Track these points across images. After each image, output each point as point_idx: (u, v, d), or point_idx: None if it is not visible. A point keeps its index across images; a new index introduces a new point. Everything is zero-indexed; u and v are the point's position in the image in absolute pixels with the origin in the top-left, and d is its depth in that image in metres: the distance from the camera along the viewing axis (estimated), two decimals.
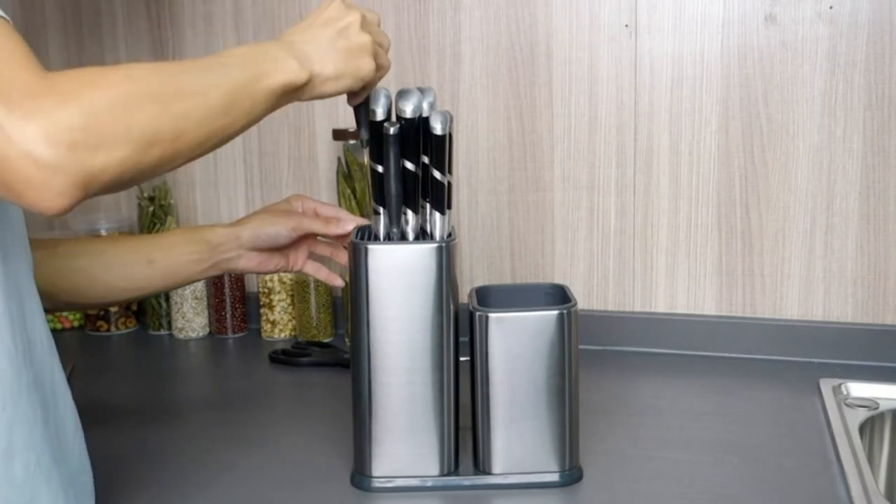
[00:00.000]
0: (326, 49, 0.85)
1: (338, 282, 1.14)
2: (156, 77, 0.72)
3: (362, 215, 1.30)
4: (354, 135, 1.46)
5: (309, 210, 1.11)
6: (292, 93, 0.83)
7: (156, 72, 0.73)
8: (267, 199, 1.61)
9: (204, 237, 1.08)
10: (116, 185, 0.68)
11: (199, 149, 0.74)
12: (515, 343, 1.00)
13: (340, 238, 1.09)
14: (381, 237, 1.01)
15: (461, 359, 1.03)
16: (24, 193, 0.63)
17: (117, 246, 1.10)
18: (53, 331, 0.83)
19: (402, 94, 0.98)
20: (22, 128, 0.62)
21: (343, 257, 1.10)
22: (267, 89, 0.79)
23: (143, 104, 0.68)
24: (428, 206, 1.02)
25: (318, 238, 1.13)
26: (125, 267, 1.06)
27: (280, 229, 1.08)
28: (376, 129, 0.98)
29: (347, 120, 1.53)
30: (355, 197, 1.45)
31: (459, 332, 1.02)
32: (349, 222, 1.07)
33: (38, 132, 0.62)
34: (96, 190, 0.66)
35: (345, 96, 0.93)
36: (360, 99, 0.94)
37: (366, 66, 0.88)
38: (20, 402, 0.75)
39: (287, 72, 0.81)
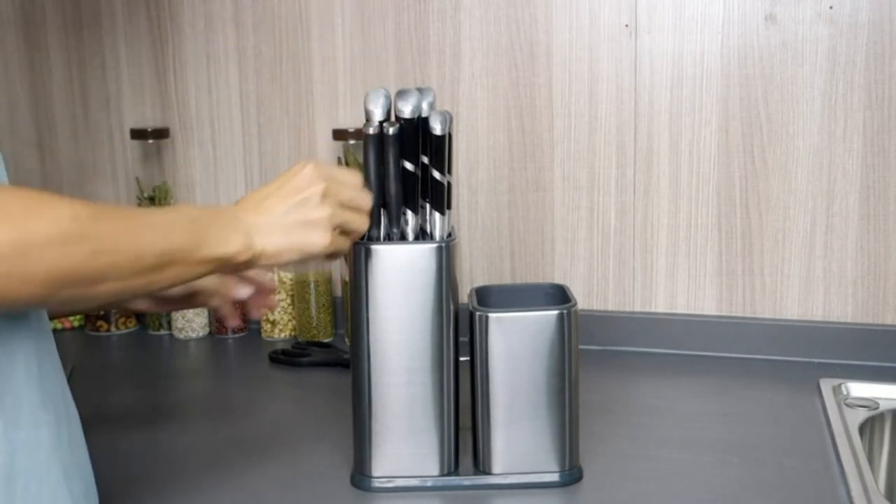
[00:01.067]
0: (276, 223, 0.82)
1: (234, 322, 1.16)
2: (99, 225, 0.70)
3: None
4: (355, 135, 1.46)
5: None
6: (230, 266, 0.80)
7: (100, 219, 0.71)
8: None
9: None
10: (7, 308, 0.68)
11: (112, 299, 0.73)
12: (515, 343, 1.00)
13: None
14: (382, 237, 1.01)
15: (461, 359, 1.03)
16: None
17: None
18: (53, 331, 0.83)
19: (401, 94, 0.98)
20: None
21: (234, 321, 1.13)
22: (203, 259, 0.77)
23: (75, 248, 0.67)
24: (428, 206, 1.02)
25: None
26: None
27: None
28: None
29: (347, 120, 1.53)
30: None
31: (459, 332, 1.02)
32: (242, 289, 1.05)
33: None
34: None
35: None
36: (312, 267, 0.91)
37: (315, 242, 0.84)
38: (24, 425, 0.74)
39: (229, 246, 0.79)
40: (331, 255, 0.87)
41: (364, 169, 0.98)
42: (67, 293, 0.68)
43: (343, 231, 0.87)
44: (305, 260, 0.84)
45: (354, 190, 0.88)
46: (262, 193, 0.84)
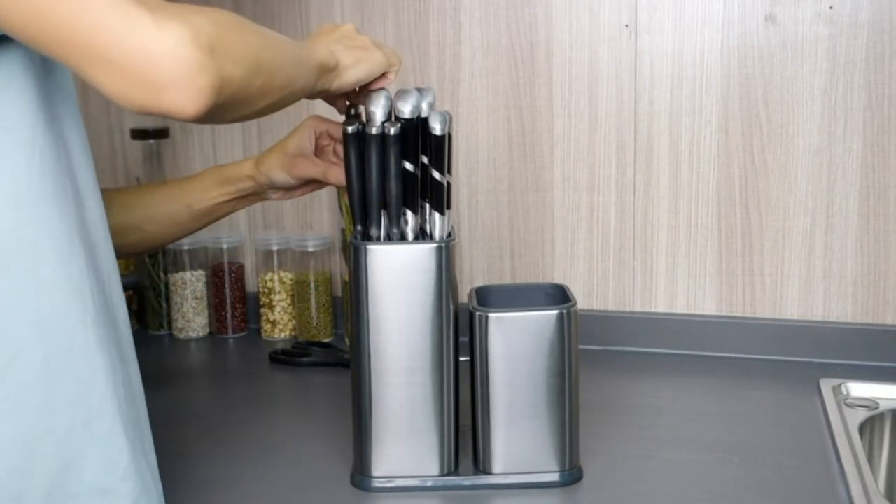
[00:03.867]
0: (343, 46, 0.94)
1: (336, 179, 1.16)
2: (248, 22, 0.78)
3: None
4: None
5: (323, 139, 1.16)
6: (327, 74, 0.91)
7: (245, 19, 0.79)
8: None
9: (230, 177, 1.15)
10: (232, 103, 0.72)
11: (279, 94, 0.80)
12: (515, 343, 1.00)
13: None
14: (382, 237, 1.01)
15: (461, 359, 1.03)
16: (165, 92, 0.66)
17: (158, 196, 1.16)
18: None
19: (400, 94, 0.98)
20: (167, 28, 0.65)
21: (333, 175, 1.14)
22: (313, 63, 0.88)
23: (250, 35, 0.75)
24: (428, 206, 1.02)
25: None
26: (170, 216, 1.15)
27: (286, 178, 1.13)
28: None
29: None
30: None
31: (459, 332, 1.02)
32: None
33: (183, 33, 0.65)
34: (223, 100, 0.70)
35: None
36: (382, 84, 1.00)
37: (377, 56, 0.96)
38: (72, 361, 0.75)
39: (322, 55, 0.90)
40: (390, 71, 0.99)
41: (365, 169, 0.99)
42: (260, 81, 0.75)
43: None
44: (374, 74, 0.97)
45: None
46: (310, 39, 0.96)
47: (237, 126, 1.60)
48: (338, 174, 1.09)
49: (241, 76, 0.72)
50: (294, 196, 1.17)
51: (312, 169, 1.12)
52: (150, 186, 1.26)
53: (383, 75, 0.98)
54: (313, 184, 1.15)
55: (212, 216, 1.16)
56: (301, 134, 1.14)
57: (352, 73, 0.94)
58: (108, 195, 1.06)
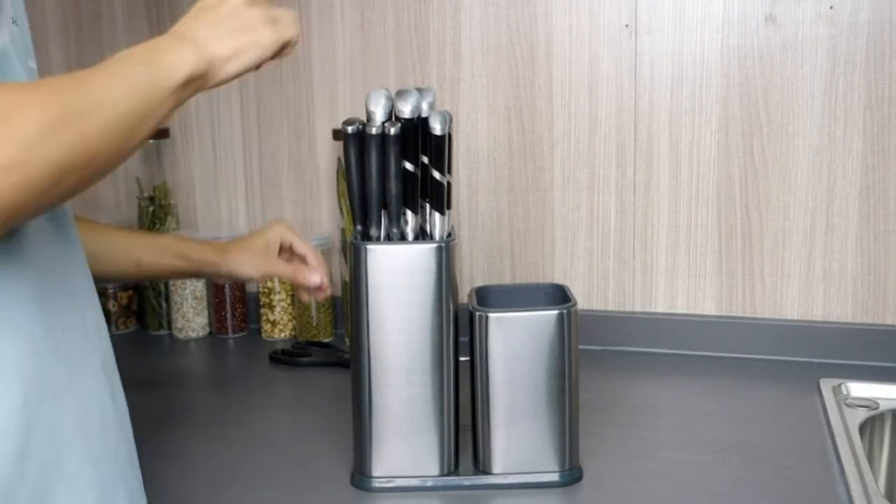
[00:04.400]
0: (217, 31, 0.81)
1: (314, 279, 1.17)
2: (75, 89, 0.67)
3: None
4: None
5: (286, 244, 1.18)
6: (196, 82, 0.77)
7: (73, 84, 0.68)
8: (267, 199, 1.61)
9: (189, 255, 1.16)
10: (45, 194, 0.63)
11: (122, 146, 0.70)
12: (515, 343, 1.00)
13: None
14: (382, 237, 1.01)
15: (461, 359, 1.03)
16: None
17: (109, 244, 1.14)
18: None
19: (400, 94, 0.98)
20: None
21: (302, 275, 1.16)
22: (171, 87, 0.74)
23: (62, 133, 0.63)
24: (428, 206, 1.02)
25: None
26: (115, 265, 1.14)
27: (252, 273, 1.16)
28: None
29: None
30: None
31: (459, 332, 1.02)
32: (315, 274, 1.15)
33: None
34: (25, 200, 0.61)
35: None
36: (275, 64, 0.88)
37: (265, 38, 0.83)
38: (45, 401, 0.72)
39: (186, 64, 0.76)
40: (283, 48, 0.85)
41: (365, 169, 0.99)
42: (71, 179, 0.64)
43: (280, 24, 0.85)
44: (262, 60, 0.83)
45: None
46: (186, 19, 0.82)
47: (237, 125, 1.60)
48: (307, 275, 1.14)
49: (39, 174, 0.61)
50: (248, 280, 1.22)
51: (283, 268, 1.17)
52: (105, 227, 1.21)
53: (279, 52, 0.86)
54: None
55: (156, 278, 1.18)
56: (267, 237, 1.18)
57: (231, 67, 0.81)
58: None
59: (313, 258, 1.18)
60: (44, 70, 1.65)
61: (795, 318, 1.41)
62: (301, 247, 1.19)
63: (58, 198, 0.66)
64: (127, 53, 0.74)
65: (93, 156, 0.66)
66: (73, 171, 0.64)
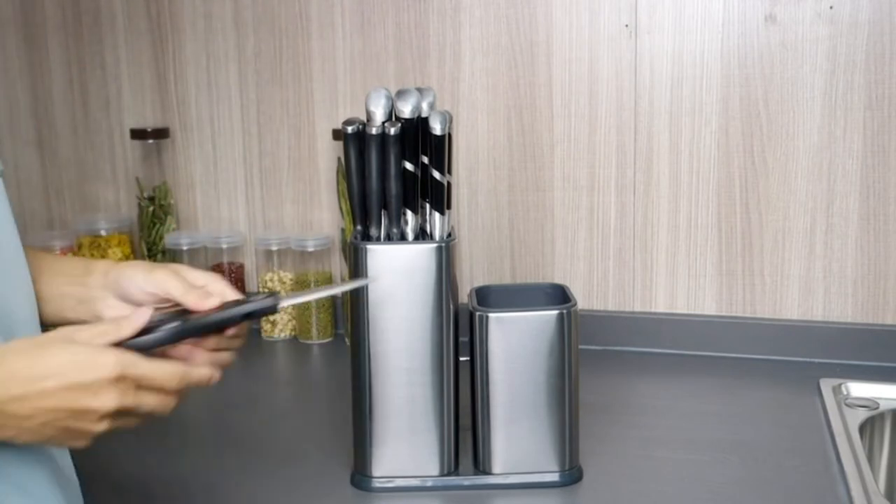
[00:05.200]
0: (31, 424, 0.68)
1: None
2: None
3: None
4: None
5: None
6: None
7: None
8: (267, 199, 1.61)
9: (84, 297, 0.89)
10: None
11: None
12: (515, 343, 1.00)
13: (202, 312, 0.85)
14: (382, 237, 1.01)
15: (461, 359, 1.03)
16: None
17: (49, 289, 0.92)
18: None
19: (400, 94, 0.98)
20: None
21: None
22: None
23: None
24: (428, 206, 1.02)
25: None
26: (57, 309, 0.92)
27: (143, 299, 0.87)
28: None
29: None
30: None
31: (459, 332, 1.02)
32: (214, 298, 0.83)
33: None
34: None
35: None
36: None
37: (75, 445, 0.72)
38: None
39: None
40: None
41: (365, 169, 0.99)
42: None
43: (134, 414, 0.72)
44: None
45: (155, 397, 0.74)
46: (38, 378, 0.67)
47: (237, 125, 1.60)
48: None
49: None
50: None
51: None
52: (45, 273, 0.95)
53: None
54: None
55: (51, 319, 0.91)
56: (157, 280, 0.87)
57: (22, 442, 0.69)
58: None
59: (216, 285, 0.86)
60: (44, 69, 1.65)
61: (795, 318, 1.41)
62: (198, 280, 0.86)
63: None
64: None
65: None
66: None
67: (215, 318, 0.80)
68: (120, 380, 0.69)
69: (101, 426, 0.70)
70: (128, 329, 0.73)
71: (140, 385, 0.71)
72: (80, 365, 0.68)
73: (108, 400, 0.68)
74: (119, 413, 0.70)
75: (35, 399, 0.67)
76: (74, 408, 0.68)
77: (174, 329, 0.77)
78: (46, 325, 0.85)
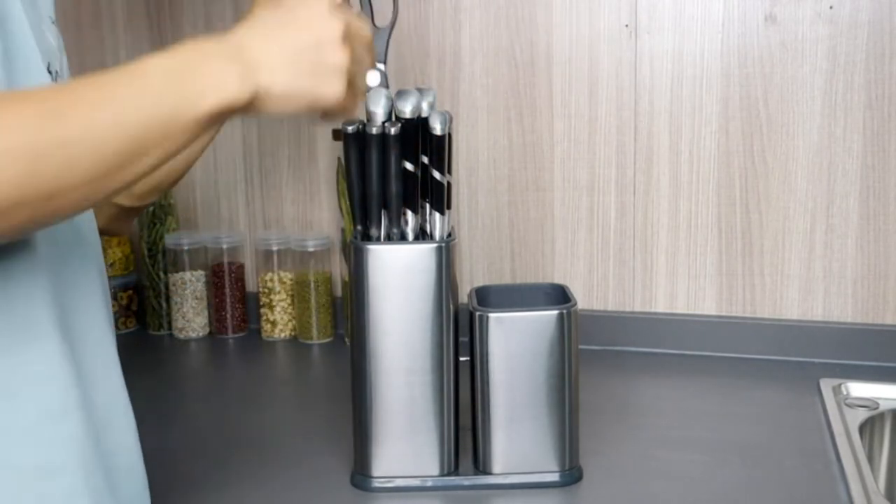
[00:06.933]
0: (287, 59, 0.67)
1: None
2: (51, 114, 0.56)
3: None
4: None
5: None
6: (228, 115, 0.65)
7: (53, 105, 0.57)
8: (267, 200, 1.61)
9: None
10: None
11: (84, 204, 0.60)
12: (515, 343, 1.00)
13: None
14: (382, 237, 1.01)
15: (461, 359, 1.03)
16: None
17: None
18: None
19: (400, 94, 0.98)
20: None
21: None
22: (192, 119, 0.62)
23: (14, 162, 0.54)
24: (428, 206, 1.02)
25: None
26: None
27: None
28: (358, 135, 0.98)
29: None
30: None
31: (459, 332, 1.02)
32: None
33: None
34: None
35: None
36: (320, 123, 0.79)
37: (330, 92, 0.69)
38: (68, 420, 0.69)
39: (223, 92, 0.63)
40: (332, 114, 0.72)
41: (365, 169, 0.99)
42: (23, 214, 0.55)
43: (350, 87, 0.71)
44: (310, 112, 0.70)
45: (365, 42, 0.74)
46: (266, 22, 0.68)
47: (237, 125, 1.60)
48: None
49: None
50: None
51: None
52: None
53: (328, 113, 0.72)
54: None
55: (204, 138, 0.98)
56: None
57: (274, 107, 0.67)
58: None
59: None
60: None
61: (795, 318, 1.41)
62: None
63: (11, 231, 0.57)
64: (152, 62, 0.62)
65: (48, 195, 0.55)
66: (26, 204, 0.55)
67: None
68: (331, 4, 0.70)
69: (343, 55, 0.68)
70: None
71: (349, 16, 0.71)
72: (294, 3, 0.69)
73: (335, 23, 0.68)
74: (346, 37, 0.69)
75: (276, 27, 0.67)
76: (312, 36, 0.68)
77: None
78: None
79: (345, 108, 0.71)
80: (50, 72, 0.71)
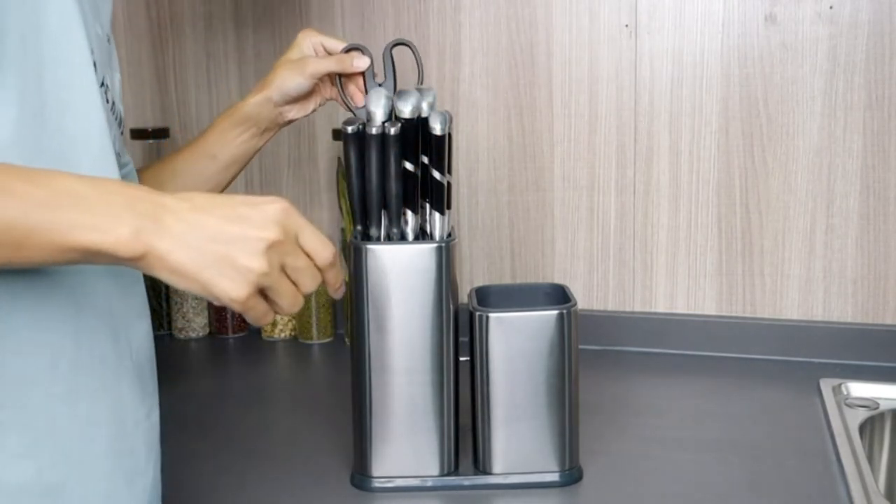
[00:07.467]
0: (196, 240, 0.66)
1: (360, 63, 1.09)
2: None
3: None
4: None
5: (319, 50, 1.10)
6: (108, 260, 0.65)
7: None
8: None
9: (242, 114, 1.09)
10: None
11: None
12: (515, 343, 1.00)
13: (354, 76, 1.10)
14: (382, 237, 1.01)
15: (461, 359, 1.03)
16: None
17: (183, 157, 1.12)
18: None
19: (400, 94, 0.99)
20: None
21: (359, 98, 1.10)
22: (58, 242, 0.63)
23: None
24: (428, 206, 1.02)
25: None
26: (198, 173, 1.11)
27: (300, 80, 1.07)
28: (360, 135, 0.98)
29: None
30: None
31: (459, 332, 1.02)
32: (360, 59, 1.08)
33: None
34: None
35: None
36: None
37: (227, 290, 0.67)
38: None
39: (104, 235, 0.63)
40: (230, 308, 0.70)
41: (365, 169, 0.99)
42: None
43: (269, 298, 0.71)
44: (206, 296, 0.68)
45: (318, 261, 0.73)
46: (215, 200, 0.68)
47: None
48: (352, 62, 1.07)
49: None
50: (308, 110, 1.11)
51: (325, 63, 1.07)
52: (172, 154, 1.15)
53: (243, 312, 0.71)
54: (326, 91, 1.11)
55: (237, 162, 1.12)
56: (300, 45, 1.09)
57: (167, 275, 0.66)
58: (142, 177, 1.03)
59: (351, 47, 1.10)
60: None
61: (795, 318, 1.41)
62: (332, 44, 1.10)
63: None
64: (70, 180, 0.64)
65: None
66: None
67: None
68: (285, 214, 0.69)
69: (260, 263, 0.67)
70: None
71: (299, 239, 0.70)
72: (250, 198, 0.70)
73: (271, 230, 0.67)
74: (273, 248, 0.68)
75: (208, 208, 0.67)
76: (237, 230, 0.67)
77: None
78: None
79: (248, 311, 0.70)
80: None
